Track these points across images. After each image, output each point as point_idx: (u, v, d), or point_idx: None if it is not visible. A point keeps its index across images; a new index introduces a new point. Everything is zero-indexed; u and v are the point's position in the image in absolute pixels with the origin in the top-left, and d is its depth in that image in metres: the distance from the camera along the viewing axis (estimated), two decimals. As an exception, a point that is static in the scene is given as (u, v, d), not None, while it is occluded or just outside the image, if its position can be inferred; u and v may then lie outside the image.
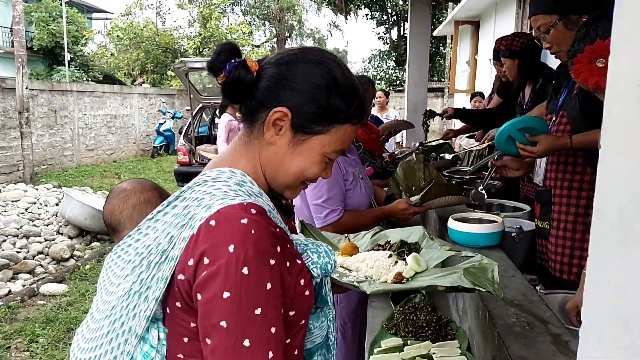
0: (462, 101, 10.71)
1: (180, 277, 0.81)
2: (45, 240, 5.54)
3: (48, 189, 7.54)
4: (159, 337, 0.87)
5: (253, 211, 0.81)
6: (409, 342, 1.56)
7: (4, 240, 5.28)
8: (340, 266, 1.38)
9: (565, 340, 1.12)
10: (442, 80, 19.26)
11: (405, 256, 1.37)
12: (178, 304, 0.84)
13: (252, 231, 0.78)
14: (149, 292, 0.85)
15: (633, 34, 0.52)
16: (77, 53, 20.14)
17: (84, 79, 19.01)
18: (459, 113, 3.98)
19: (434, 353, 1.47)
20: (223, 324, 0.76)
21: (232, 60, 0.90)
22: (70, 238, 5.77)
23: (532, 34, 3.47)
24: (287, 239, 0.87)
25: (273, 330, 0.78)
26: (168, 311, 0.87)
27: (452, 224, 1.86)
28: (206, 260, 0.77)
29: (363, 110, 0.95)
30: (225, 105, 6.36)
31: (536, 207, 2.04)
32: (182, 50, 17.77)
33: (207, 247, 0.78)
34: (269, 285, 0.78)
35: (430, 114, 4.25)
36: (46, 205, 6.59)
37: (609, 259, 0.58)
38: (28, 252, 5.17)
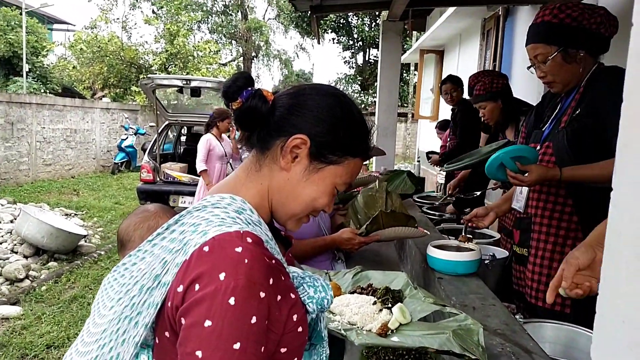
0: (426, 127, 10.98)
1: (169, 304, 0.79)
2: (-2, 259, 5.27)
3: (2, 205, 7.22)
4: None
5: (249, 240, 0.80)
6: (390, 370, 1.57)
7: (-47, 259, 4.99)
8: None
9: (552, 370, 1.15)
10: (405, 105, 19.72)
11: (390, 304, 1.39)
12: (167, 334, 0.81)
13: (246, 260, 0.77)
14: (139, 317, 0.83)
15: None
16: (36, 64, 19.52)
17: (42, 90, 18.42)
18: (448, 155, 4.08)
19: (416, 381, 1.49)
20: (198, 353, 0.73)
21: (249, 89, 0.91)
22: (26, 257, 5.51)
23: (500, 72, 3.60)
24: (283, 272, 0.86)
25: None
26: (157, 340, 0.85)
27: (431, 251, 1.89)
28: (196, 287, 0.75)
29: (370, 147, 0.99)
30: (210, 125, 6.25)
31: (515, 233, 2.10)
32: (147, 66, 17.52)
33: (197, 274, 0.76)
34: (254, 319, 0.75)
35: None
36: (0, 222, 6.29)
37: (621, 298, 0.60)
38: (-21, 271, 4.89)
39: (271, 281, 0.79)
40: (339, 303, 1.41)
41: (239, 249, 0.77)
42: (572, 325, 1.61)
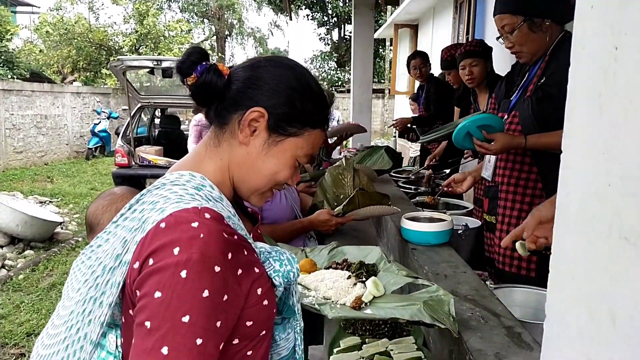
0: (402, 103, 11.01)
1: (128, 281, 0.79)
2: (-28, 249, 5.17)
3: (-28, 195, 7.03)
4: (117, 343, 0.85)
5: (207, 215, 0.80)
6: (366, 340, 1.60)
7: None
8: (299, 284, 1.40)
9: (518, 332, 1.19)
10: (382, 81, 19.69)
11: (364, 278, 1.41)
12: (131, 312, 0.81)
13: (201, 235, 0.76)
14: (103, 297, 0.83)
15: (595, 43, 0.57)
16: (1, 49, 18.87)
17: (9, 76, 17.83)
18: (417, 121, 4.13)
19: (392, 350, 1.53)
20: (147, 324, 0.73)
21: (203, 63, 0.89)
22: (1, 247, 5.42)
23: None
24: (246, 246, 0.86)
25: (199, 341, 0.73)
26: (123, 319, 0.85)
27: (404, 223, 1.92)
28: (150, 261, 0.76)
29: (329, 118, 0.99)
30: None
31: (485, 201, 2.15)
32: (117, 48, 17.06)
33: (153, 249, 0.76)
34: (206, 292, 0.74)
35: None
36: (-29, 212, 6.13)
37: (570, 254, 0.62)
38: (-48, 263, 4.80)
39: (229, 256, 0.79)
40: (314, 279, 1.42)
41: (195, 224, 0.77)
42: (539, 288, 1.67)
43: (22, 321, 3.83)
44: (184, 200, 0.82)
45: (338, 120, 8.08)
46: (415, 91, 5.25)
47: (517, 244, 1.36)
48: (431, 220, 1.99)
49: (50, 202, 7.84)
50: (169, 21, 20.11)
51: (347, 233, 2.99)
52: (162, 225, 0.78)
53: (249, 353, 0.86)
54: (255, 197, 0.97)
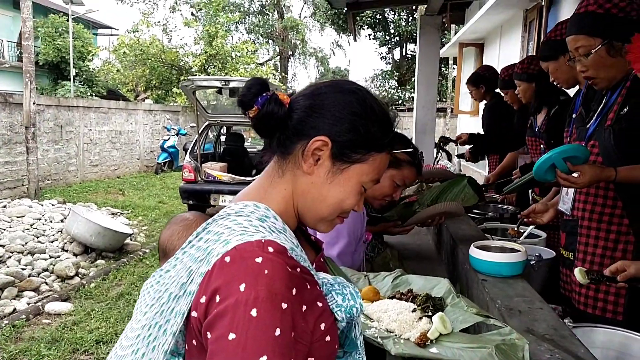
0: (465, 122, 10.76)
1: (194, 314, 0.79)
2: (50, 257, 5.51)
3: (53, 205, 7.53)
4: None
5: (271, 249, 0.78)
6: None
7: (9, 257, 5.25)
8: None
9: (605, 379, 1.10)
10: (444, 100, 19.37)
11: (430, 312, 1.36)
12: (194, 342, 0.82)
13: (266, 271, 0.75)
14: (167, 325, 0.83)
15: None
16: (82, 68, 20.34)
17: (88, 94, 19.16)
18: (473, 139, 3.98)
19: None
20: None
21: (264, 94, 0.89)
22: (75, 255, 5.74)
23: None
24: (310, 280, 0.84)
25: None
26: (187, 347, 0.85)
27: (474, 252, 1.84)
28: (217, 299, 0.75)
29: (395, 140, 0.96)
30: None
31: (562, 235, 2.01)
32: (187, 68, 17.89)
33: (218, 285, 0.76)
34: (277, 331, 0.73)
35: (445, 141, 4.27)
36: (51, 222, 6.57)
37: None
38: (33, 269, 5.13)
39: (294, 291, 0.78)
40: (377, 308, 1.38)
41: (259, 259, 0.76)
42: (625, 330, 1.54)
43: (92, 328, 4.01)
44: (248, 233, 0.81)
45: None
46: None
47: (577, 271, 1.25)
48: (503, 250, 1.90)
49: (121, 213, 8.25)
50: (236, 42, 20.87)
51: (409, 255, 2.94)
52: (227, 259, 0.77)
53: None
54: (323, 224, 0.95)
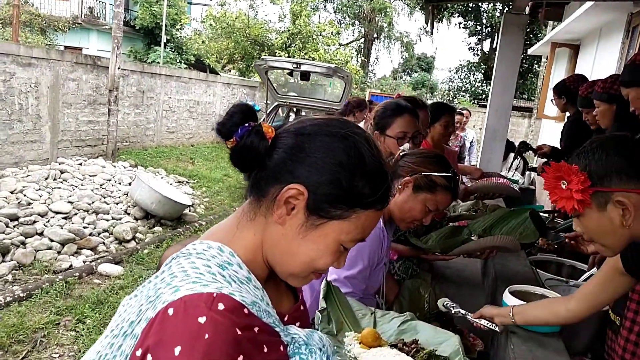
0: (549, 128, 10.02)
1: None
2: (113, 218, 5.80)
3: (124, 167, 7.92)
4: None
5: (221, 306, 0.69)
6: None
7: (75, 214, 5.57)
8: (355, 358, 1.23)
9: None
10: (532, 99, 18.22)
11: None
12: None
13: (206, 335, 0.67)
14: (117, 353, 0.77)
15: None
16: (174, 36, 21.16)
17: (178, 60, 19.91)
18: (556, 153, 3.62)
19: None
20: None
21: (246, 125, 0.79)
22: (136, 219, 6.00)
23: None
24: (268, 341, 0.74)
25: None
26: None
27: (507, 298, 1.64)
28: (149, 358, 0.68)
29: (389, 196, 0.82)
30: (345, 114, 5.33)
31: None
32: (269, 44, 18.09)
33: (154, 342, 0.68)
34: None
35: (525, 147, 3.93)
36: (120, 184, 6.90)
37: None
38: (94, 228, 5.42)
39: (240, 358, 0.68)
40: (371, 357, 1.24)
41: (202, 319, 0.67)
42: None
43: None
44: (202, 282, 0.72)
45: (472, 143, 7.38)
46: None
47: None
48: (542, 299, 1.68)
49: (187, 182, 8.54)
50: (320, 22, 20.78)
51: (451, 277, 2.73)
52: (170, 311, 0.69)
53: None
54: (294, 280, 0.85)
